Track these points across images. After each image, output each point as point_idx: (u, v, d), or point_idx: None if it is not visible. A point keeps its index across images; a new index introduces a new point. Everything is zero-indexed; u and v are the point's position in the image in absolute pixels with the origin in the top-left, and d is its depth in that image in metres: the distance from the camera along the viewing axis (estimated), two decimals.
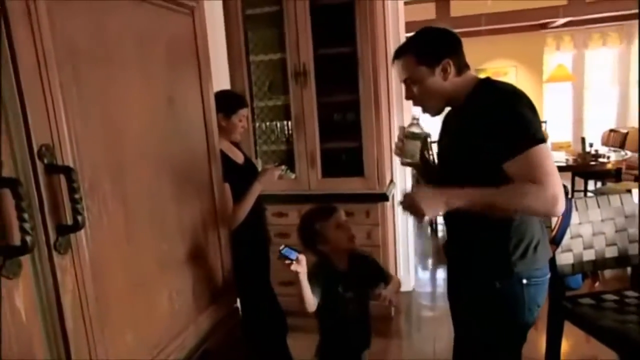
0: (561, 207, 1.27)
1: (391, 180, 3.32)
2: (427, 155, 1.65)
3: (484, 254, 1.47)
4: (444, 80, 1.44)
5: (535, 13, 5.73)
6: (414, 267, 3.78)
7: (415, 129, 1.55)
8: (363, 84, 2.87)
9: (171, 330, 1.31)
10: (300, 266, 1.58)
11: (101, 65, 1.05)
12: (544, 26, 7.04)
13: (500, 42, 7.27)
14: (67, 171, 0.89)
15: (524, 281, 1.42)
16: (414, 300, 3.57)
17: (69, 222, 0.90)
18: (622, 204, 1.95)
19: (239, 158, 2.20)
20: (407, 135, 1.56)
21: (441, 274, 4.21)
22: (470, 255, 1.52)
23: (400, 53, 1.49)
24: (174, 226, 1.36)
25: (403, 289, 3.61)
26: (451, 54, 1.44)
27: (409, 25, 4.08)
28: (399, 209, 3.28)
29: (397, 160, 3.45)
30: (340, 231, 1.76)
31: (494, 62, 7.64)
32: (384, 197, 2.99)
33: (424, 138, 1.57)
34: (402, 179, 3.53)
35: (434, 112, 1.52)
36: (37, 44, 0.85)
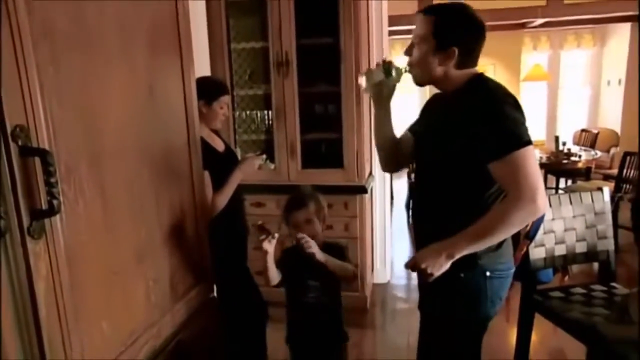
0: (542, 208, 1.29)
1: (370, 173, 3.33)
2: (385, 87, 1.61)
3: None
4: (440, 64, 1.43)
5: (515, 12, 5.81)
6: (390, 260, 3.81)
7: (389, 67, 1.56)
8: (345, 76, 2.87)
9: (147, 319, 1.28)
10: (270, 246, 1.69)
11: (80, 49, 1.01)
12: (522, 26, 7.15)
13: None
14: (43, 154, 0.85)
15: (488, 274, 1.45)
16: (389, 293, 3.60)
17: (44, 206, 0.86)
18: (592, 201, 2.00)
19: (219, 146, 2.17)
20: (378, 64, 1.58)
21: None
22: None
23: (427, 11, 1.44)
24: (153, 215, 1.33)
25: (379, 280, 3.66)
26: (462, 45, 1.41)
27: (392, 19, 4.10)
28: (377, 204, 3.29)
29: (375, 152, 3.48)
30: (305, 226, 1.78)
31: None
32: (362, 190, 3.00)
33: (389, 71, 1.55)
34: (381, 172, 3.54)
35: (417, 81, 1.52)
36: (11, 19, 0.81)
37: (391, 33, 7.00)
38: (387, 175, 3.65)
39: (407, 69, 1.53)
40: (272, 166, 2.96)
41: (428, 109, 1.62)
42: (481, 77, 1.46)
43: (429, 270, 1.33)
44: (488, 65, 7.76)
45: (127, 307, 1.20)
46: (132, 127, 1.22)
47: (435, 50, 1.41)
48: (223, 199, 2.02)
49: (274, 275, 1.78)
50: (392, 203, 5.62)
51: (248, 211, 2.79)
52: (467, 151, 1.36)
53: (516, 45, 7.58)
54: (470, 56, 1.44)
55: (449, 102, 1.48)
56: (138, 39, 1.25)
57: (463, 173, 1.40)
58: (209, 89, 2.05)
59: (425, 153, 1.55)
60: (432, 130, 1.52)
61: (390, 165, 1.75)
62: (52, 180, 0.86)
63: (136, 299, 1.25)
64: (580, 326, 1.85)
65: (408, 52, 1.49)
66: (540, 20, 6.35)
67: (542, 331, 2.51)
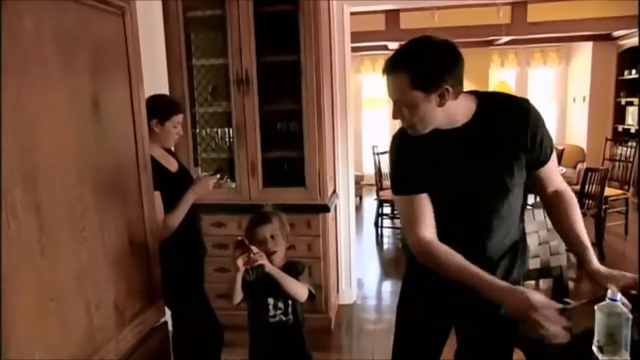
0: None
1: (334, 191, 3.38)
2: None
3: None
4: (440, 106, 1.32)
5: (481, 30, 6.05)
6: (355, 280, 3.84)
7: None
8: (306, 94, 2.92)
9: (88, 346, 1.28)
10: (243, 263, 1.71)
11: (16, 66, 1.03)
12: (490, 43, 7.43)
13: None
14: None
15: None
16: (356, 314, 3.62)
17: None
18: (544, 217, 2.09)
19: (172, 166, 2.18)
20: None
21: (386, 286, 4.33)
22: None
23: (392, 69, 1.31)
24: (96, 237, 1.33)
25: (345, 301, 3.68)
26: (451, 79, 1.29)
27: (357, 36, 4.21)
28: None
29: (340, 170, 3.57)
30: (262, 245, 1.79)
31: None
32: (325, 209, 3.04)
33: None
34: (345, 190, 3.60)
35: (422, 133, 1.40)
36: None
37: (360, 49, 7.22)
38: (352, 193, 3.70)
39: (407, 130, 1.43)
40: (233, 185, 3.00)
41: (440, 145, 1.42)
42: (488, 93, 1.48)
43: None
44: None
45: (65, 334, 1.19)
46: (73, 146, 1.23)
47: (425, 99, 1.30)
48: (175, 220, 2.03)
49: (239, 293, 1.80)
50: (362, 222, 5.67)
51: (208, 232, 2.81)
52: (523, 164, 1.43)
53: (484, 61, 7.85)
54: (460, 82, 1.33)
55: (474, 127, 1.39)
56: (81, 55, 1.27)
57: (521, 185, 1.49)
58: (162, 108, 2.07)
59: (471, 185, 1.42)
60: (472, 161, 1.41)
61: None
62: None
63: (76, 325, 1.24)
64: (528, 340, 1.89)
65: (396, 116, 1.38)
66: (505, 38, 6.62)
67: None
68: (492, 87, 7.80)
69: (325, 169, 3.03)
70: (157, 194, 1.84)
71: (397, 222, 6.10)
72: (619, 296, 1.18)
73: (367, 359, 2.93)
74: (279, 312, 1.82)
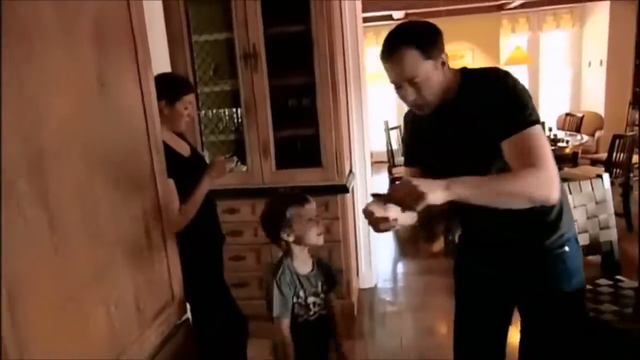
0: (558, 191, 1.30)
1: (350, 171, 3.27)
2: None
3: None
4: (444, 75, 1.40)
5: None
6: (375, 263, 3.77)
7: None
8: (319, 66, 2.79)
9: (110, 350, 1.19)
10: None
11: (14, 37, 0.92)
12: (499, 7, 7.23)
13: (457, 24, 7.38)
14: None
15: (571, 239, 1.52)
16: (377, 297, 3.56)
17: None
18: (592, 189, 1.99)
19: (184, 150, 2.07)
20: None
21: (401, 268, 4.27)
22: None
23: (397, 48, 1.36)
24: (111, 229, 1.24)
25: (365, 285, 3.62)
26: (443, 46, 1.41)
27: (365, 5, 4.05)
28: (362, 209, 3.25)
29: (356, 149, 3.45)
30: (311, 224, 1.70)
31: (451, 45, 7.69)
32: (343, 189, 2.94)
33: None
34: (361, 169, 3.50)
35: (431, 110, 1.46)
36: None
37: (363, 20, 7.03)
38: (369, 172, 3.60)
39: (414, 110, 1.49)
40: (244, 168, 2.90)
41: (432, 120, 1.50)
42: (471, 69, 1.48)
43: (420, 189, 1.19)
44: (466, 50, 7.83)
45: (85, 337, 1.11)
46: (81, 127, 1.13)
47: (435, 68, 1.37)
48: (192, 209, 1.93)
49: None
50: None
51: (220, 218, 2.72)
52: (486, 135, 1.36)
53: (494, 28, 7.66)
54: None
55: (458, 102, 1.44)
56: (82, 28, 1.17)
57: (500, 156, 1.38)
58: (170, 88, 1.96)
59: (456, 162, 1.43)
60: (457, 136, 1.45)
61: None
62: None
63: (97, 328, 1.16)
64: (591, 324, 1.81)
65: (407, 98, 1.42)
66: (518, 1, 6.42)
67: None
68: (506, 53, 7.60)
69: (342, 146, 2.92)
70: (171, 181, 1.74)
71: None
72: None
73: (395, 344, 2.86)
74: (318, 308, 1.76)
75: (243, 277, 3.02)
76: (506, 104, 1.35)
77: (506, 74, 1.40)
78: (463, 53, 7.82)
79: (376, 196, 1.32)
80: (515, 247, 1.51)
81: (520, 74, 8.06)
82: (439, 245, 4.73)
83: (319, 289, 1.76)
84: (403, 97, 1.43)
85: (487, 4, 6.45)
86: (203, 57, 3.03)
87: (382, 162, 6.23)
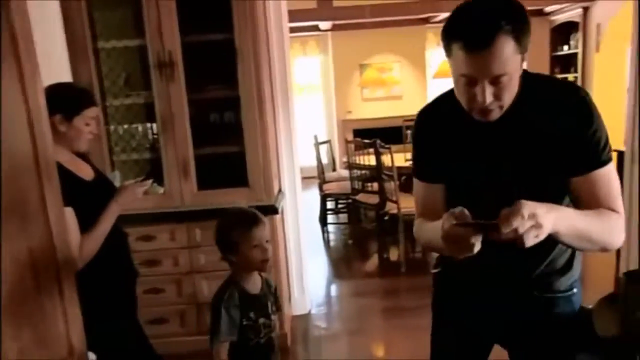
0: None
1: (279, 190, 3.16)
2: None
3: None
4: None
5: (419, 6, 6.04)
6: (308, 287, 3.66)
7: None
8: (243, 78, 2.70)
9: None
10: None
11: None
12: (425, 21, 7.48)
13: (383, 36, 7.58)
14: None
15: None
16: (312, 324, 3.45)
17: None
18: None
19: (86, 174, 1.85)
20: None
21: (334, 290, 4.22)
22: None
23: (497, 36, 1.06)
24: None
25: (298, 312, 3.50)
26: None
27: (290, 15, 3.98)
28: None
29: (285, 166, 3.34)
30: (257, 251, 1.66)
31: (379, 57, 7.95)
32: (273, 210, 2.82)
33: None
34: (291, 187, 3.39)
35: (496, 118, 1.22)
36: None
37: (290, 30, 7.01)
38: (299, 190, 3.50)
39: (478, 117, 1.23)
40: (161, 190, 2.68)
41: (472, 132, 1.28)
42: (527, 74, 1.24)
43: (539, 220, 1.00)
44: (394, 63, 8.03)
45: None
46: None
47: (521, 66, 1.15)
48: (95, 243, 1.73)
49: None
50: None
51: (134, 247, 2.49)
52: (553, 166, 1.23)
53: (420, 41, 7.93)
54: None
55: (516, 112, 1.21)
56: None
57: (558, 185, 1.26)
58: (67, 101, 1.76)
59: (521, 186, 1.24)
60: (510, 153, 1.26)
61: None
62: None
63: None
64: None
65: (487, 100, 1.14)
66: (443, 15, 6.67)
67: None
68: (432, 66, 7.86)
69: (269, 165, 2.82)
70: (69, 210, 1.55)
71: (343, 217, 5.98)
72: None
73: None
74: (267, 330, 1.73)
75: (162, 312, 2.81)
76: (593, 135, 1.18)
77: (588, 96, 1.22)
78: (391, 65, 8.02)
79: (470, 225, 1.07)
80: (521, 289, 1.38)
81: (448, 87, 8.40)
82: (372, 264, 4.74)
83: (269, 309, 1.75)
84: (472, 97, 1.16)
85: (413, 16, 6.65)
86: (111, 66, 2.82)
87: (311, 177, 6.15)
